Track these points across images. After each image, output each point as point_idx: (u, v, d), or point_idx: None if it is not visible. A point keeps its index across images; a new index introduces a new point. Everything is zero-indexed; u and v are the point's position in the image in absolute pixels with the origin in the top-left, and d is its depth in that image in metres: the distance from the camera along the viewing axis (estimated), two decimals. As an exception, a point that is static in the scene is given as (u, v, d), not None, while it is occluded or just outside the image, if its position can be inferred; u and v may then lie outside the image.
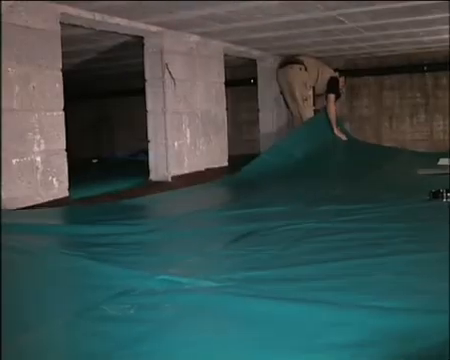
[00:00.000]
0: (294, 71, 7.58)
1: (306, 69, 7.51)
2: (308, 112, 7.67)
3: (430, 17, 5.48)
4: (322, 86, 7.77)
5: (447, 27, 6.08)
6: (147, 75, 5.76)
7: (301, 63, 7.54)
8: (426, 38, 6.90)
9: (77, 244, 3.11)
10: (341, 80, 7.93)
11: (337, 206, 4.11)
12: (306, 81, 7.55)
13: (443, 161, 6.58)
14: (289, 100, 7.81)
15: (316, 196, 4.63)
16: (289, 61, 7.67)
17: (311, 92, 7.69)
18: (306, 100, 7.59)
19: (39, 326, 1.95)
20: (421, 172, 5.92)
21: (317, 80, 7.69)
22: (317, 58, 7.89)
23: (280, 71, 7.77)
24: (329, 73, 7.77)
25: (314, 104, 7.88)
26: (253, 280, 2.39)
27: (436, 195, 4.18)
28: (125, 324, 1.94)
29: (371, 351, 1.68)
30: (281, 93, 7.97)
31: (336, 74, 7.88)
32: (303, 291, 2.22)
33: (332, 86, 7.67)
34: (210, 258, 2.86)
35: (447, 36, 6.71)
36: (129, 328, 1.89)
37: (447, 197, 4.14)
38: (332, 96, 7.64)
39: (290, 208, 4.15)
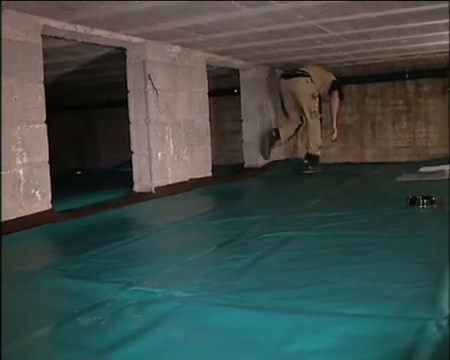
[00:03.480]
0: (300, 84, 7.54)
1: (312, 81, 7.49)
2: (316, 125, 7.61)
3: (411, 25, 5.54)
4: (326, 91, 7.80)
5: (429, 34, 6.15)
6: (130, 86, 5.78)
7: (307, 75, 7.50)
8: (409, 46, 6.98)
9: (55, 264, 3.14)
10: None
11: (315, 214, 4.16)
12: (313, 92, 7.51)
13: (424, 169, 6.65)
14: (290, 111, 7.83)
15: (296, 204, 4.66)
16: (295, 73, 7.61)
17: (317, 103, 7.60)
18: (314, 112, 7.54)
19: (18, 338, 1.99)
20: (400, 179, 5.98)
21: (321, 88, 7.66)
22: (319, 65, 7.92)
23: (283, 81, 7.73)
24: (332, 78, 7.79)
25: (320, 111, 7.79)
26: (227, 289, 2.42)
27: (413, 202, 4.24)
28: (97, 335, 1.97)
29: (342, 358, 1.72)
30: (281, 102, 7.99)
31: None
32: (276, 300, 2.25)
33: (335, 86, 7.72)
34: (187, 268, 2.89)
35: (429, 43, 6.80)
36: (100, 339, 1.92)
37: (423, 204, 4.20)
38: (336, 92, 7.70)
39: (269, 217, 4.19)
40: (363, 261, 2.79)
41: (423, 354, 1.66)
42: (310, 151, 7.65)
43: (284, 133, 7.80)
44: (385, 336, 1.82)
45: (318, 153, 7.68)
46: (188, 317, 2.12)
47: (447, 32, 6.00)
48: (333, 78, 7.77)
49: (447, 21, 5.36)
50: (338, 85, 7.74)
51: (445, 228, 3.41)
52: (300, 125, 7.87)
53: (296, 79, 7.56)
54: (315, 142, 7.62)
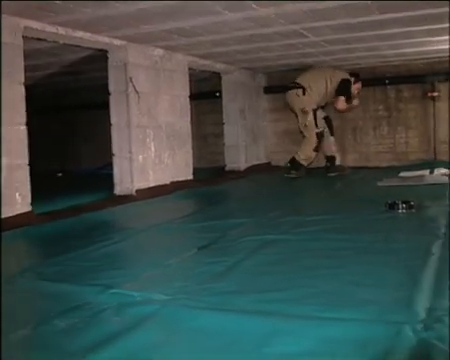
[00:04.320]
0: (291, 97, 7.55)
1: (304, 92, 7.36)
2: (309, 139, 7.46)
3: (391, 31, 5.59)
4: (333, 93, 7.58)
5: (408, 41, 6.21)
6: (111, 88, 5.78)
7: (298, 87, 7.41)
8: (388, 52, 7.03)
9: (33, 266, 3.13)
10: (356, 85, 7.63)
11: (296, 217, 4.18)
12: (304, 106, 7.39)
13: (404, 174, 6.71)
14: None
15: (277, 208, 4.67)
16: (289, 86, 7.58)
17: (311, 117, 7.38)
18: (306, 126, 7.43)
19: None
20: (380, 184, 6.03)
21: (326, 92, 7.48)
22: (328, 66, 7.83)
23: (286, 94, 7.70)
24: (342, 76, 7.52)
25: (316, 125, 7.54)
26: (206, 292, 2.42)
27: (392, 206, 4.28)
28: (74, 338, 1.96)
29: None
30: None
31: (349, 77, 7.60)
32: (255, 303, 2.26)
33: (341, 88, 7.45)
34: (166, 271, 2.89)
35: (408, 50, 6.86)
36: (77, 341, 1.92)
37: (402, 208, 4.24)
38: (341, 98, 7.47)
39: (250, 220, 4.21)
40: (342, 265, 2.81)
41: (397, 358, 1.67)
42: (296, 157, 7.53)
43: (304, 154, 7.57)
44: (362, 340, 1.83)
45: (303, 163, 7.55)
46: (166, 320, 2.12)
47: (426, 39, 6.07)
48: (344, 77, 7.52)
49: (425, 27, 5.42)
50: (346, 85, 7.47)
51: (422, 232, 3.46)
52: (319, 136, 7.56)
53: (289, 92, 7.57)
54: (304, 154, 7.50)
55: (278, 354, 1.77)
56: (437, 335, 1.81)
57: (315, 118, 7.40)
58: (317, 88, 7.40)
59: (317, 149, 7.51)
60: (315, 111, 7.43)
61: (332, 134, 7.69)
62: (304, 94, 7.37)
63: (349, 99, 7.56)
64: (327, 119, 7.64)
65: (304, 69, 7.72)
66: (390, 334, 1.84)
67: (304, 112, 7.41)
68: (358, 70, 7.81)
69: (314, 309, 2.14)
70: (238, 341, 1.89)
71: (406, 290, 2.30)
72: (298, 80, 7.49)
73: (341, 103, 7.47)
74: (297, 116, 7.63)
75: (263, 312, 2.15)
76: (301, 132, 7.66)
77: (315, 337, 1.87)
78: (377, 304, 2.17)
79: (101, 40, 5.32)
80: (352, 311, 2.11)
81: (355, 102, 7.69)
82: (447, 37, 6.01)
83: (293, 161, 7.57)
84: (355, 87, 7.61)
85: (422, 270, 2.58)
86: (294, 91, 7.45)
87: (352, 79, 7.53)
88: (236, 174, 7.89)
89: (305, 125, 7.44)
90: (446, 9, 4.63)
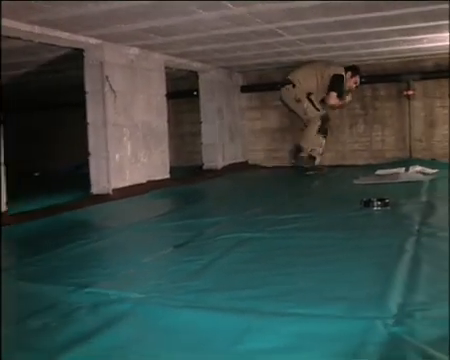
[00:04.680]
0: (284, 93, 7.59)
1: (293, 86, 7.38)
2: (310, 129, 7.51)
3: (364, 31, 5.64)
4: (325, 88, 7.51)
5: (382, 40, 6.27)
6: (87, 87, 5.75)
7: (288, 82, 7.44)
8: (363, 51, 7.08)
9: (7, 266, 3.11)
10: (353, 79, 7.51)
11: (272, 216, 4.20)
12: (295, 95, 7.41)
13: (380, 171, 6.77)
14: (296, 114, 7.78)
15: (253, 206, 4.69)
16: (282, 83, 7.61)
17: (307, 102, 7.39)
18: (306, 114, 7.46)
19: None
20: (356, 182, 6.08)
21: (317, 88, 7.44)
22: (321, 61, 7.65)
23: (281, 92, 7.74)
24: (334, 71, 7.42)
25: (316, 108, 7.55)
26: (181, 290, 2.43)
27: (367, 204, 4.32)
28: (48, 337, 1.96)
29: (289, 356, 1.75)
30: None
31: (342, 73, 7.47)
32: (229, 300, 2.28)
33: (333, 84, 7.36)
34: (142, 269, 2.89)
35: (382, 49, 6.91)
36: (51, 340, 1.92)
37: (377, 205, 4.28)
38: (332, 94, 7.40)
39: (227, 218, 4.22)
40: (316, 262, 2.84)
41: (369, 352, 1.70)
42: (304, 146, 7.57)
43: (306, 142, 7.63)
44: (333, 335, 1.86)
45: (315, 155, 7.59)
46: (141, 318, 2.13)
47: (399, 38, 6.12)
48: (336, 72, 7.42)
49: (398, 27, 5.48)
50: (337, 81, 7.38)
51: (396, 229, 3.50)
52: (321, 129, 7.60)
53: (282, 89, 7.60)
54: (309, 142, 7.54)
55: (252, 351, 1.79)
56: (408, 330, 1.85)
57: (312, 102, 7.41)
58: (307, 84, 7.40)
59: (325, 132, 7.59)
60: (309, 95, 7.42)
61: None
62: (293, 87, 7.40)
63: (341, 95, 7.51)
64: (324, 118, 7.60)
65: (296, 66, 7.68)
66: (362, 329, 1.87)
67: (297, 101, 7.43)
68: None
69: (288, 306, 2.17)
70: (212, 338, 1.90)
71: (379, 286, 2.33)
72: (289, 76, 7.51)
73: (332, 99, 7.42)
74: (294, 112, 7.67)
75: (237, 309, 2.17)
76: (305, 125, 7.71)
77: (288, 333, 1.89)
78: (350, 300, 2.20)
79: (77, 39, 5.29)
80: (325, 307, 2.13)
81: (348, 98, 7.68)
82: (419, 36, 6.08)
83: (304, 157, 7.57)
84: (352, 81, 7.51)
85: (395, 266, 2.61)
86: (285, 87, 7.51)
87: (348, 73, 7.45)
88: (213, 173, 7.90)
89: (305, 113, 7.44)
90: (414, 9, 4.69)
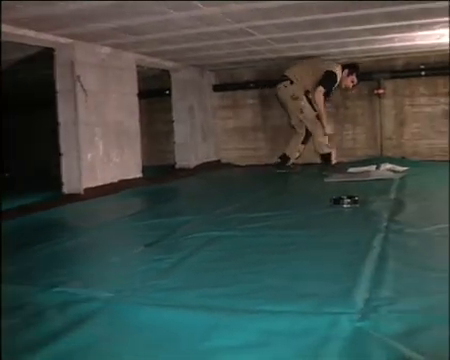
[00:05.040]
0: (281, 91, 7.42)
1: (291, 82, 7.24)
2: (313, 126, 7.33)
3: (335, 30, 5.69)
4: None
5: (352, 39, 6.34)
6: (58, 87, 5.72)
7: (285, 79, 7.30)
8: (334, 50, 7.14)
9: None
10: (350, 78, 7.35)
11: (242, 214, 4.22)
12: (293, 93, 7.26)
13: (352, 169, 6.84)
14: (291, 120, 7.61)
15: (224, 205, 4.71)
16: (278, 79, 7.45)
17: (305, 101, 7.25)
18: (302, 112, 7.29)
19: None
20: (327, 180, 6.13)
21: (313, 83, 7.23)
22: (319, 57, 7.55)
23: (276, 89, 7.56)
24: (327, 68, 7.21)
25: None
26: (150, 289, 2.45)
27: (337, 201, 4.37)
28: (15, 337, 1.96)
29: (256, 352, 1.77)
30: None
31: (334, 70, 7.26)
32: (199, 298, 2.29)
33: (323, 79, 7.12)
34: (112, 268, 2.90)
35: (353, 48, 6.98)
36: (18, 341, 1.92)
37: (347, 203, 4.33)
38: (320, 88, 7.10)
39: (198, 217, 4.24)
40: (285, 260, 2.87)
41: (333, 347, 1.73)
42: (320, 151, 7.46)
43: (291, 151, 7.56)
44: (300, 331, 1.89)
45: (327, 150, 7.41)
46: (110, 317, 2.13)
47: (369, 37, 6.19)
48: (327, 69, 7.21)
49: (369, 27, 5.54)
50: (327, 77, 7.16)
51: (365, 226, 3.55)
52: (306, 136, 7.51)
53: (278, 86, 7.45)
54: (318, 142, 7.40)
55: (219, 347, 1.81)
56: (372, 324, 1.88)
57: (310, 101, 7.28)
58: (304, 81, 7.26)
59: (304, 141, 7.48)
60: (307, 94, 7.30)
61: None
62: (291, 84, 7.27)
63: (330, 94, 7.40)
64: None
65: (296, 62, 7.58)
66: (327, 324, 1.90)
67: (295, 99, 7.28)
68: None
69: (256, 303, 2.19)
70: (180, 336, 1.92)
71: (346, 282, 2.37)
72: (286, 73, 7.39)
73: (318, 94, 7.14)
74: (289, 111, 7.55)
75: (206, 307, 2.19)
76: (293, 127, 7.61)
77: (256, 330, 1.92)
78: (317, 296, 2.23)
79: (47, 38, 5.26)
80: (293, 304, 2.16)
81: None
82: (390, 36, 6.15)
83: (323, 156, 7.51)
84: (349, 79, 7.37)
85: (363, 263, 2.65)
86: (282, 83, 7.36)
87: (345, 71, 7.30)
88: (186, 172, 7.91)
89: (301, 111, 7.30)
90: (384, 9, 4.75)
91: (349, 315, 1.96)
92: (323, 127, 7.29)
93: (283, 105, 7.71)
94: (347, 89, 7.62)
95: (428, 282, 2.37)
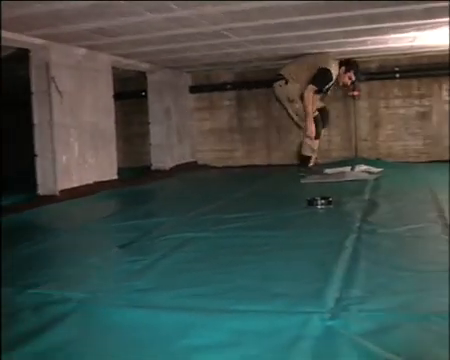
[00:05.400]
0: (277, 89, 7.22)
1: (286, 82, 7.04)
2: (307, 127, 7.00)
3: (309, 32, 5.73)
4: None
5: (326, 42, 6.39)
6: (33, 88, 5.69)
7: (280, 78, 7.10)
8: (309, 52, 7.17)
9: None
10: (347, 75, 7.03)
11: (217, 215, 4.25)
12: (288, 94, 7.08)
13: (328, 170, 6.88)
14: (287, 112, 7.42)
15: (200, 206, 4.73)
16: (273, 78, 7.25)
17: (300, 103, 6.99)
18: (297, 115, 7.17)
19: None
20: (303, 181, 6.18)
21: (309, 79, 6.92)
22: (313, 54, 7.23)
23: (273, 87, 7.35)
24: (321, 64, 6.91)
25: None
26: (124, 290, 2.47)
27: (311, 202, 4.41)
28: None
29: (227, 351, 1.80)
30: None
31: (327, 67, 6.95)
32: (172, 299, 2.31)
33: (315, 77, 6.83)
34: (86, 270, 2.90)
35: (328, 50, 7.02)
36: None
37: (321, 204, 4.37)
38: (311, 86, 6.81)
39: (173, 219, 4.25)
40: (259, 260, 2.90)
41: (304, 346, 1.76)
42: (303, 152, 7.19)
43: (306, 150, 7.21)
44: (271, 330, 1.92)
45: (309, 154, 7.15)
46: (83, 318, 2.15)
47: (343, 40, 6.25)
48: (322, 66, 6.90)
49: (343, 29, 5.59)
50: (320, 75, 6.86)
51: (338, 227, 3.60)
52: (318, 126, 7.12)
53: (274, 84, 7.24)
54: (305, 143, 7.14)
55: (191, 347, 1.84)
56: (343, 323, 1.92)
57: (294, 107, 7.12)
58: (300, 79, 7.00)
59: (317, 136, 7.14)
60: (291, 102, 7.12)
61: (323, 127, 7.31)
62: (287, 84, 7.07)
63: (322, 92, 7.13)
64: (322, 110, 7.25)
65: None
66: (299, 324, 1.93)
67: (291, 101, 7.13)
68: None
69: (229, 303, 2.22)
70: (153, 335, 1.94)
71: (318, 282, 2.41)
72: (281, 71, 7.20)
73: (307, 93, 6.83)
74: (286, 108, 7.38)
75: (179, 307, 2.21)
76: (298, 126, 7.49)
77: (227, 329, 1.95)
78: (289, 296, 2.26)
79: (21, 39, 5.23)
80: (265, 304, 2.19)
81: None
82: (363, 38, 6.22)
83: (300, 157, 7.25)
84: (346, 76, 7.08)
85: (335, 263, 2.69)
86: (277, 83, 7.17)
87: (342, 68, 7.01)
88: (162, 173, 7.90)
89: (297, 114, 7.18)
90: (359, 12, 4.80)
91: (320, 314, 1.99)
92: (307, 129, 7.00)
93: (281, 104, 7.56)
94: (345, 86, 7.36)
95: (398, 281, 2.42)
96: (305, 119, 6.96)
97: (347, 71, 7.04)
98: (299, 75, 7.03)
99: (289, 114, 7.44)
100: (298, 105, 7.05)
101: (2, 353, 1.82)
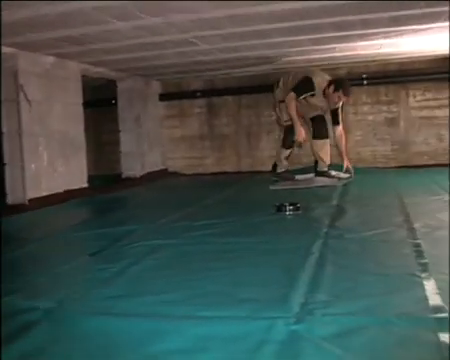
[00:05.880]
0: (275, 91, 7.09)
1: (277, 85, 6.97)
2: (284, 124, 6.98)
3: (277, 40, 5.79)
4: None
5: (295, 49, 6.45)
6: (2, 96, 5.65)
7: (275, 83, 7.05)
8: (278, 59, 7.24)
9: None
10: (335, 94, 6.64)
11: (187, 222, 4.27)
12: (277, 98, 6.98)
13: (298, 176, 6.93)
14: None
15: (169, 214, 4.74)
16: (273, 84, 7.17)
17: (277, 109, 7.02)
18: (279, 120, 7.14)
19: None
20: (272, 187, 6.22)
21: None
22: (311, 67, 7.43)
23: None
24: (308, 75, 6.73)
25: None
26: (93, 297, 2.47)
27: (280, 208, 4.45)
28: None
29: (195, 357, 1.83)
30: None
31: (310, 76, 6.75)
32: (140, 306, 2.34)
33: (296, 85, 6.66)
34: (54, 279, 2.90)
35: (297, 58, 7.09)
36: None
37: (289, 210, 4.41)
38: (291, 94, 6.59)
39: (142, 226, 4.25)
40: (227, 267, 2.92)
41: (268, 350, 1.79)
42: (276, 159, 7.22)
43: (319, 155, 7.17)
44: (237, 335, 1.95)
45: (278, 163, 7.13)
46: (52, 327, 2.15)
47: (311, 47, 6.32)
48: (305, 75, 6.75)
49: (311, 36, 5.66)
50: (302, 83, 6.66)
51: (305, 233, 3.64)
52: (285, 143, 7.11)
53: (276, 90, 7.09)
54: (279, 149, 7.18)
55: (157, 352, 1.86)
56: (307, 327, 1.96)
57: (281, 110, 7.00)
58: (286, 86, 6.86)
59: (283, 144, 7.08)
60: (281, 103, 6.94)
61: (315, 137, 7.21)
62: (277, 88, 7.01)
63: (298, 96, 6.72)
64: (315, 120, 7.12)
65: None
66: (264, 328, 1.96)
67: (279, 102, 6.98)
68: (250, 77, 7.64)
69: (196, 309, 2.25)
70: (120, 343, 1.97)
71: (284, 288, 2.44)
72: (281, 77, 7.05)
73: (288, 100, 6.64)
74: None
75: (146, 314, 2.23)
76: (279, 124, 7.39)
77: (193, 335, 1.98)
78: (256, 302, 2.30)
79: (-12, 47, 5.21)
80: (232, 309, 2.23)
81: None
82: (331, 46, 6.30)
83: (273, 165, 7.22)
84: (335, 96, 6.69)
85: (301, 268, 2.73)
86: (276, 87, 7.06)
87: (331, 87, 6.64)
88: (132, 181, 7.91)
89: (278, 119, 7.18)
90: (326, 20, 4.88)
91: (285, 319, 2.03)
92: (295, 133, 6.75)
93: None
94: (336, 104, 6.97)
95: (363, 285, 2.46)
96: (295, 124, 6.72)
97: (335, 91, 6.69)
98: (287, 84, 6.91)
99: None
100: (277, 110, 7.07)
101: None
